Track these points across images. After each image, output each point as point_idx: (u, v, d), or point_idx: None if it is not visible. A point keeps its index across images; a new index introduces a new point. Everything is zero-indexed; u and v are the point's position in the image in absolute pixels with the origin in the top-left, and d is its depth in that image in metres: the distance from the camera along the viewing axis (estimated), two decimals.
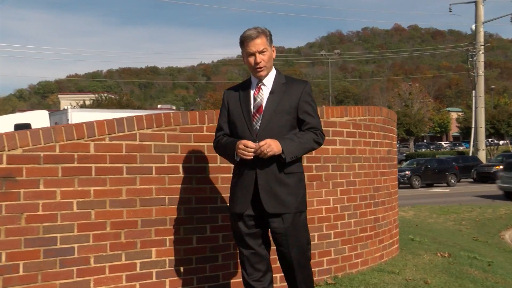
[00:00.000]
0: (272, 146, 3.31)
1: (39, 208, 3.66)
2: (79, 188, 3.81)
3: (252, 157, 3.35)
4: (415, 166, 30.93)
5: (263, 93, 3.56)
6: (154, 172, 4.11)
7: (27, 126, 18.31)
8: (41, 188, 3.68)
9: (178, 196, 4.19)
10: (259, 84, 3.58)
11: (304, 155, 3.76)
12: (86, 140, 3.85)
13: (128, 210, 3.98)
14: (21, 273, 3.57)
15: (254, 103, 3.54)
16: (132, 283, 3.95)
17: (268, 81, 3.58)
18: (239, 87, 3.70)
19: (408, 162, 34.35)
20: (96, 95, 55.34)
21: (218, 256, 4.35)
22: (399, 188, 6.77)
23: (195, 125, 4.32)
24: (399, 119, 49.12)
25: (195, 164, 4.29)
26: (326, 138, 5.02)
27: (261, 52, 3.49)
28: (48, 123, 19.83)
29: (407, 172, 29.42)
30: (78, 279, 3.76)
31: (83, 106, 48.31)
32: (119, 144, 3.99)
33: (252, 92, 3.58)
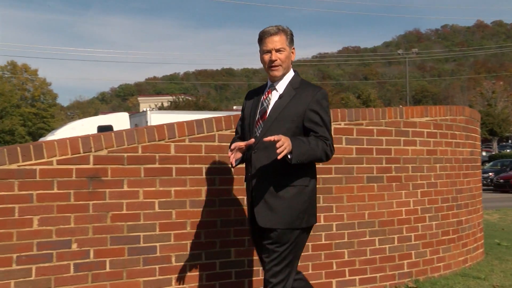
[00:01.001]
0: (286, 144, 2.91)
1: (123, 207, 3.80)
2: (161, 188, 3.92)
3: (233, 161, 3.11)
4: (499, 167, 29.72)
5: (271, 98, 3.27)
6: (232, 173, 4.16)
7: (109, 127, 19.04)
8: (125, 188, 3.81)
9: None
10: (270, 88, 3.31)
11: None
12: (167, 141, 3.96)
13: (207, 210, 4.06)
14: (107, 269, 3.72)
15: (260, 108, 3.29)
16: (212, 283, 4.02)
17: (281, 85, 3.28)
18: (258, 90, 3.45)
19: (491, 163, 33.06)
20: (174, 97, 56.60)
21: None
22: (482, 190, 6.53)
23: None
24: (482, 119, 47.39)
25: None
26: (406, 138, 4.96)
27: (278, 50, 3.21)
28: (129, 125, 20.53)
29: (490, 174, 28.31)
30: (160, 277, 3.87)
31: (161, 108, 49.59)
32: (198, 145, 4.07)
33: (262, 96, 3.33)
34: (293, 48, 3.35)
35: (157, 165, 3.91)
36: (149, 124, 21.85)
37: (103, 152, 3.76)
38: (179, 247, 3.95)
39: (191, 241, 3.98)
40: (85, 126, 19.83)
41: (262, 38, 3.25)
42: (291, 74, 3.33)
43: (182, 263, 3.94)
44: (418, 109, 5.13)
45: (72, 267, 3.62)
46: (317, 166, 4.46)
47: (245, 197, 4.15)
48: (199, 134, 4.08)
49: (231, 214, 4.14)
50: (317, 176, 4.47)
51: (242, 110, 3.47)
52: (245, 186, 3.40)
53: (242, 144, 3.10)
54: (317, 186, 4.44)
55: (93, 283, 3.67)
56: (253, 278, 4.19)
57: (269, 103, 3.26)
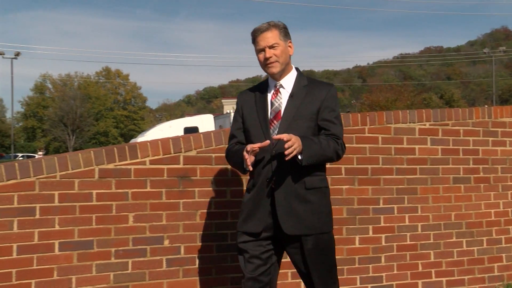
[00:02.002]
0: (296, 145, 2.72)
1: (212, 206, 3.87)
2: None
3: (249, 165, 2.83)
4: None
5: (282, 96, 3.05)
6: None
7: (195, 129, 19.50)
8: (213, 187, 3.89)
9: (340, 196, 4.19)
10: (277, 87, 3.08)
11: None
12: None
13: None
14: (197, 266, 3.81)
15: (271, 108, 3.04)
16: (297, 281, 4.01)
17: (288, 83, 3.07)
18: (254, 90, 3.19)
19: None
20: None
21: (381, 257, 4.28)
22: None
23: (357, 126, 4.29)
24: None
25: (357, 166, 4.26)
26: (494, 139, 4.75)
27: (271, 46, 2.98)
28: (213, 126, 20.94)
29: None
30: None
31: None
32: None
33: (269, 96, 3.09)
34: (290, 42, 3.09)
35: None
36: None
37: (192, 153, 3.85)
38: None
39: None
40: (173, 128, 20.42)
41: (254, 37, 3.05)
42: (294, 71, 3.13)
43: None
44: (508, 109, 4.90)
45: (164, 262, 3.73)
46: (402, 166, 4.41)
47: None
48: None
49: None
50: (402, 176, 4.41)
51: (238, 113, 3.18)
52: (254, 191, 3.01)
53: (256, 146, 2.81)
54: (401, 186, 4.40)
55: (184, 278, 3.77)
56: (340, 277, 4.15)
57: (281, 102, 3.04)
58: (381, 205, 4.31)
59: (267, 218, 2.94)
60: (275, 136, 2.75)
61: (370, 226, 4.26)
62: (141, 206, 3.70)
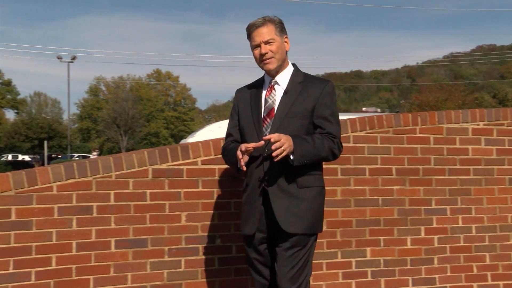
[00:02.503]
0: (285, 145, 2.64)
1: None
2: None
3: (243, 165, 2.78)
4: None
5: (276, 93, 2.96)
6: (367, 173, 4.10)
7: None
8: None
9: (391, 197, 4.13)
10: (272, 83, 2.98)
11: None
12: None
13: (343, 209, 4.03)
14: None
15: (265, 105, 2.95)
16: (348, 281, 3.98)
17: (283, 80, 2.97)
18: (251, 87, 3.10)
19: None
20: None
21: (434, 259, 4.19)
22: None
23: (408, 127, 4.21)
24: None
25: (408, 166, 4.18)
26: None
27: (267, 42, 2.88)
28: None
29: None
30: None
31: None
32: None
33: (264, 93, 3.00)
34: (286, 37, 2.99)
35: None
36: None
37: None
38: (316, 245, 3.94)
39: (327, 240, 3.97)
40: (222, 128, 20.37)
41: (249, 33, 2.94)
42: (290, 67, 3.03)
43: (318, 261, 3.94)
44: None
45: (216, 261, 3.76)
46: (455, 167, 4.30)
47: (380, 198, 4.10)
48: None
49: (366, 214, 4.06)
50: (455, 177, 4.30)
51: (234, 110, 3.12)
52: (246, 191, 3.01)
53: (250, 145, 2.75)
54: (454, 187, 4.29)
55: (235, 277, 3.79)
56: (390, 278, 4.09)
57: (274, 100, 2.94)
58: (433, 206, 4.21)
59: (261, 218, 2.91)
60: (264, 137, 2.68)
61: (422, 227, 4.18)
62: (193, 206, 3.74)
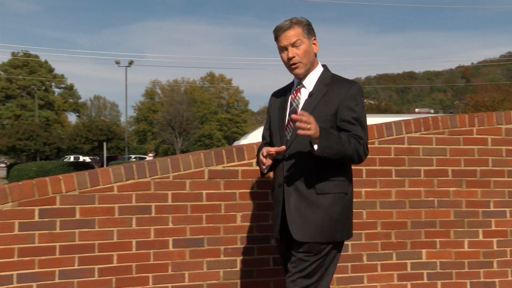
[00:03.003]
0: (312, 125, 2.48)
1: None
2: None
3: (264, 168, 2.74)
4: None
5: (301, 96, 2.83)
6: (422, 175, 4.02)
7: None
8: None
9: (447, 198, 4.03)
10: (298, 86, 2.86)
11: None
12: None
13: (397, 211, 3.96)
14: None
15: (290, 108, 2.84)
16: (404, 282, 3.92)
17: (309, 82, 2.83)
18: (282, 90, 3.01)
19: None
20: None
21: (493, 262, 4.06)
22: None
23: (464, 128, 4.10)
24: None
25: (464, 167, 4.07)
26: None
27: (294, 45, 2.75)
28: None
29: None
30: (352, 274, 3.87)
31: None
32: (387, 148, 3.99)
33: (290, 96, 2.89)
34: (314, 39, 2.83)
35: None
36: None
37: None
38: (370, 247, 3.91)
39: (381, 241, 3.92)
40: None
41: (276, 36, 2.83)
42: (319, 69, 2.87)
43: (373, 262, 3.89)
44: None
45: (271, 261, 3.76)
46: None
47: (435, 199, 4.01)
48: (388, 137, 4.00)
49: (422, 216, 3.99)
50: None
51: (268, 113, 3.04)
52: (273, 195, 2.98)
53: (272, 150, 2.68)
54: None
55: None
56: (446, 281, 4.00)
57: (298, 103, 2.81)
58: (492, 208, 4.09)
59: (282, 222, 2.80)
60: (294, 116, 2.54)
61: (480, 230, 4.06)
62: (248, 206, 3.75)
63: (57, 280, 3.39)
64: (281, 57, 2.85)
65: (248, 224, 3.74)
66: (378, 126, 4.00)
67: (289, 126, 2.79)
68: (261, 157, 2.75)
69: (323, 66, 2.90)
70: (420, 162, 4.02)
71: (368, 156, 3.89)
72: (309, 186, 2.70)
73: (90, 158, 47.34)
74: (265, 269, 3.75)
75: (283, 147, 2.70)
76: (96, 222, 3.48)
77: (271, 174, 3.00)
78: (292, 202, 2.72)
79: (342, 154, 2.62)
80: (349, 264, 3.86)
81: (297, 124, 2.50)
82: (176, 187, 3.64)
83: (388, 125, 4.02)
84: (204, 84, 76.58)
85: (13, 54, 65.34)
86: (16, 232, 3.33)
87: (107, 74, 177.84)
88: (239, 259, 3.71)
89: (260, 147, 2.99)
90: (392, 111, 48.62)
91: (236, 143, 19.60)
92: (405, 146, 4.01)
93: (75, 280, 3.43)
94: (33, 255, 3.35)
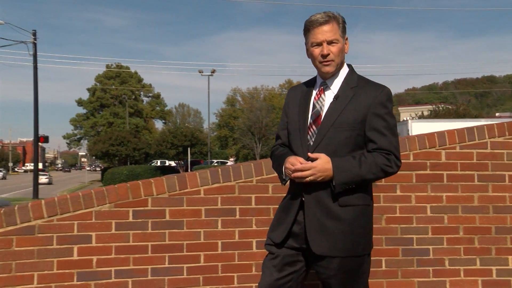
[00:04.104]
0: (318, 174, 2.39)
1: (397, 210, 3.76)
2: (432, 194, 3.79)
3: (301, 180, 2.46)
4: None
5: (325, 98, 2.56)
6: (507, 180, 3.83)
7: None
8: (398, 192, 3.77)
9: None
10: (322, 86, 2.59)
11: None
12: (437, 149, 3.81)
13: (480, 216, 3.79)
14: (383, 268, 3.72)
15: (312, 110, 2.57)
16: None
17: (334, 83, 2.57)
18: (303, 87, 2.71)
19: None
20: (433, 106, 54.65)
21: None
22: None
23: None
24: None
25: None
26: None
27: (330, 42, 2.49)
28: None
29: None
30: (434, 279, 3.73)
31: (421, 117, 48.20)
32: (469, 153, 3.84)
33: (313, 96, 2.61)
34: (346, 39, 2.59)
35: (428, 172, 3.79)
36: (410, 132, 21.41)
37: None
38: (452, 251, 3.76)
39: (464, 246, 3.76)
40: None
41: (309, 28, 2.54)
42: (345, 69, 2.61)
43: (456, 267, 3.75)
44: None
45: (383, 263, 3.70)
46: None
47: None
48: (470, 142, 3.84)
49: (507, 221, 3.80)
50: None
51: (284, 111, 2.72)
52: (286, 203, 2.67)
53: (294, 170, 2.45)
54: None
55: (402, 278, 3.71)
56: None
57: (322, 105, 2.55)
58: None
59: (291, 228, 2.56)
60: (298, 167, 2.42)
61: None
62: None
63: (149, 277, 3.50)
64: (311, 51, 2.56)
65: None
66: (459, 131, 3.86)
67: (310, 130, 2.55)
68: (288, 165, 2.50)
69: (349, 66, 2.65)
70: (505, 167, 3.83)
71: (449, 161, 3.78)
72: (332, 198, 2.46)
73: (175, 163, 48.69)
74: (377, 270, 3.66)
75: (307, 165, 2.44)
76: (185, 223, 3.57)
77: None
78: (312, 214, 2.49)
79: (366, 180, 2.47)
80: (430, 268, 3.74)
81: (294, 175, 2.42)
82: (259, 191, 3.66)
83: (470, 129, 3.87)
84: (283, 91, 76.86)
85: (107, 66, 68.50)
86: (113, 231, 3.47)
87: (191, 83, 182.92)
88: None
89: (276, 148, 2.76)
90: (471, 116, 46.64)
91: None
92: (488, 151, 3.84)
93: (166, 277, 3.53)
94: (128, 253, 3.49)
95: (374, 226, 3.71)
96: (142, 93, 71.04)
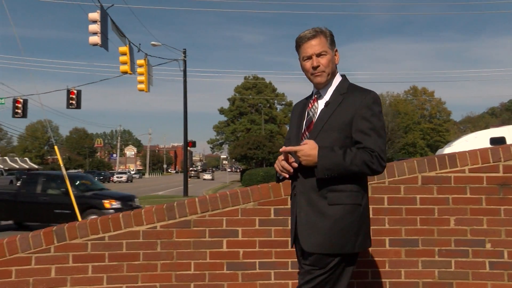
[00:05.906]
0: (303, 158, 2.41)
1: None
2: None
3: (286, 173, 2.50)
4: None
5: (317, 106, 2.58)
6: None
7: (501, 139, 17.72)
8: None
9: None
10: (315, 95, 2.62)
11: None
12: None
13: None
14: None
15: (306, 118, 2.61)
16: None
17: (328, 92, 2.58)
18: (303, 100, 2.76)
19: None
20: None
21: None
22: None
23: None
24: None
25: None
26: None
27: (319, 55, 2.51)
28: None
29: None
30: (473, 281, 3.45)
31: None
32: None
33: (308, 106, 2.64)
34: (336, 50, 2.60)
35: None
36: None
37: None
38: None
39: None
40: (478, 138, 18.89)
41: (299, 44, 2.58)
42: (338, 79, 2.61)
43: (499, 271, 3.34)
44: None
45: (487, 265, 3.47)
46: None
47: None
48: None
49: None
50: None
51: (290, 122, 2.78)
52: (290, 204, 2.70)
53: (285, 167, 2.50)
54: None
55: (509, 282, 3.45)
56: None
57: (315, 112, 2.58)
58: None
59: (295, 230, 2.55)
60: (286, 148, 2.46)
61: None
62: (461, 211, 3.51)
63: (289, 270, 3.54)
64: (303, 65, 2.61)
65: (462, 227, 3.50)
66: None
67: (304, 135, 2.58)
68: (280, 161, 2.54)
69: (342, 76, 2.65)
70: None
71: None
72: (321, 196, 2.45)
73: None
74: (481, 272, 3.46)
75: (296, 165, 2.49)
76: None
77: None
78: (303, 212, 2.49)
79: (348, 172, 2.39)
80: (469, 271, 3.45)
81: (281, 149, 2.46)
82: (392, 192, 3.56)
83: None
84: (408, 97, 74.07)
85: (245, 78, 70.73)
86: (257, 227, 3.58)
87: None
88: (453, 260, 3.48)
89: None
90: None
91: (439, 151, 18.55)
92: None
93: (272, 271, 3.53)
94: (270, 247, 3.57)
95: (510, 228, 3.45)
96: (276, 101, 72.20)
